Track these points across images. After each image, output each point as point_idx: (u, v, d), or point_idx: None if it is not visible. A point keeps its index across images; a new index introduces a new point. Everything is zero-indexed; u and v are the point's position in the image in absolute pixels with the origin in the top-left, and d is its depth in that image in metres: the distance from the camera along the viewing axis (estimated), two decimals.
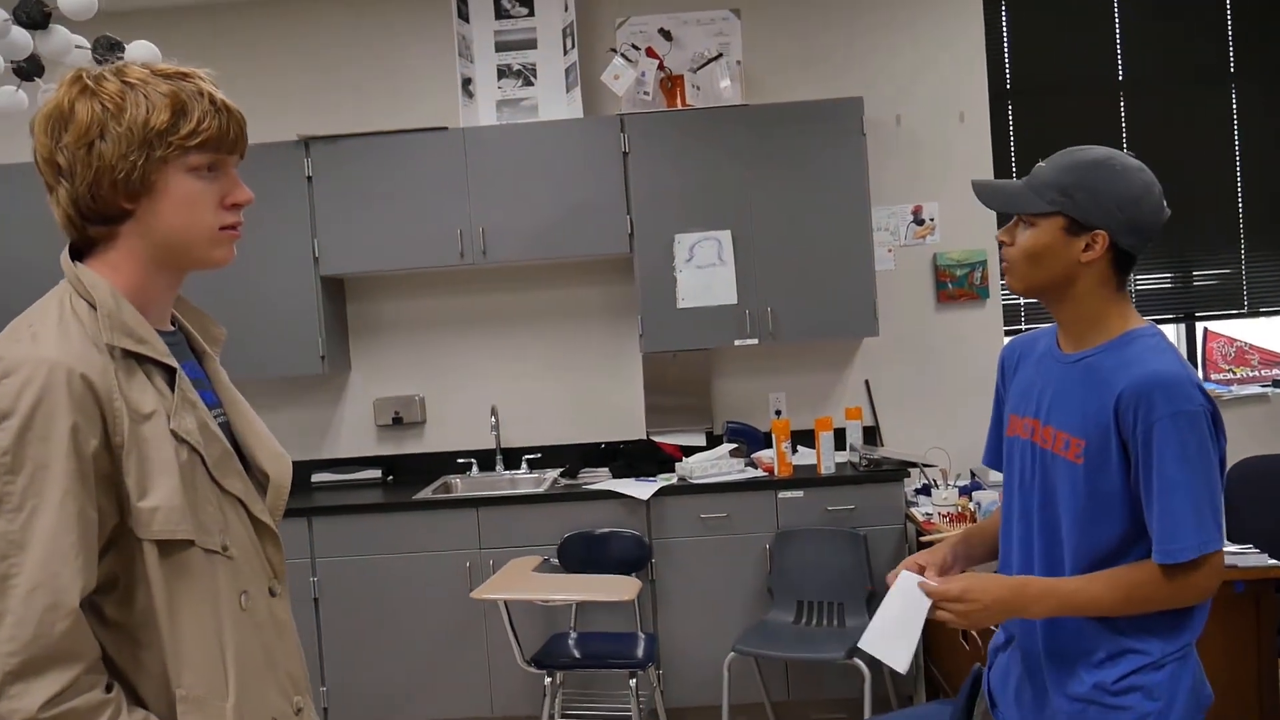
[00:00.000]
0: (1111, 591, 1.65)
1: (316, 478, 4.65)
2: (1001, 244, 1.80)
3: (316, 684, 4.12)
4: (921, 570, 1.82)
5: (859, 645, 1.81)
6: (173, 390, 1.28)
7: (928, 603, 1.72)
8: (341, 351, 4.66)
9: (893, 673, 3.99)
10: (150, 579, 1.21)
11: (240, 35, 4.73)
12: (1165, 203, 1.74)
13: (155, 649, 1.22)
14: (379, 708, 4.13)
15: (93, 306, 1.25)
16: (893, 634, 1.77)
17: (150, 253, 1.31)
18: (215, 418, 1.35)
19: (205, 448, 1.29)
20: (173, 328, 1.39)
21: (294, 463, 4.62)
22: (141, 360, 1.26)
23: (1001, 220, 4.45)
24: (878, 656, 1.76)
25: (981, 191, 1.80)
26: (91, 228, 1.28)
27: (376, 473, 4.66)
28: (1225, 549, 3.11)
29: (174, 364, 1.29)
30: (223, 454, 1.31)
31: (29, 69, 2.12)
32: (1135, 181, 1.70)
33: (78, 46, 1.76)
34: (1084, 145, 1.75)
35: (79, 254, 1.31)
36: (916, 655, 3.98)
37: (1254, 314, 4.69)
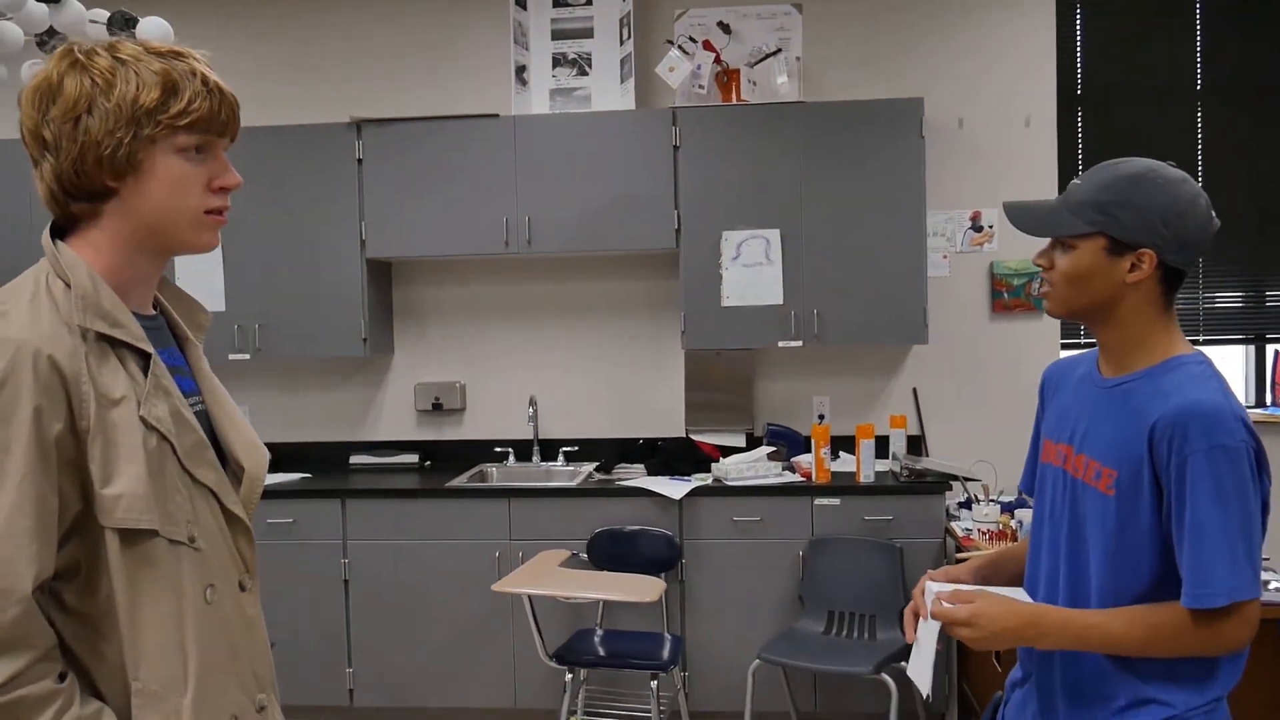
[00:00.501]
0: (1133, 631, 1.55)
1: (354, 459, 4.67)
2: (1040, 267, 1.70)
3: (343, 665, 4.14)
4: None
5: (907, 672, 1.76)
6: (146, 376, 1.25)
7: (937, 625, 1.65)
8: (385, 335, 4.67)
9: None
10: (112, 568, 1.18)
11: (296, 17, 4.75)
12: (1214, 214, 1.62)
13: (115, 640, 1.19)
14: (403, 692, 4.14)
15: (69, 286, 1.22)
16: (916, 656, 1.73)
17: (133, 233, 1.28)
18: (192, 406, 1.32)
19: (177, 436, 1.26)
20: (154, 312, 1.36)
21: (333, 443, 4.65)
22: (115, 344, 1.23)
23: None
24: (913, 680, 1.72)
25: (1014, 214, 1.69)
26: (74, 205, 1.26)
27: (414, 457, 4.66)
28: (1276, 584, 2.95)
29: (149, 349, 1.26)
30: (195, 443, 1.28)
31: (51, 42, 2.13)
32: (1180, 194, 1.59)
33: (92, 21, 1.76)
34: (1122, 158, 1.65)
35: (61, 232, 1.29)
36: (948, 674, 3.89)
37: None
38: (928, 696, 1.69)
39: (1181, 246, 1.60)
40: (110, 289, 1.25)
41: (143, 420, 1.22)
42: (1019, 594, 1.72)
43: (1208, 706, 1.58)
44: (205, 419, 1.36)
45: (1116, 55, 4.55)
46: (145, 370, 1.26)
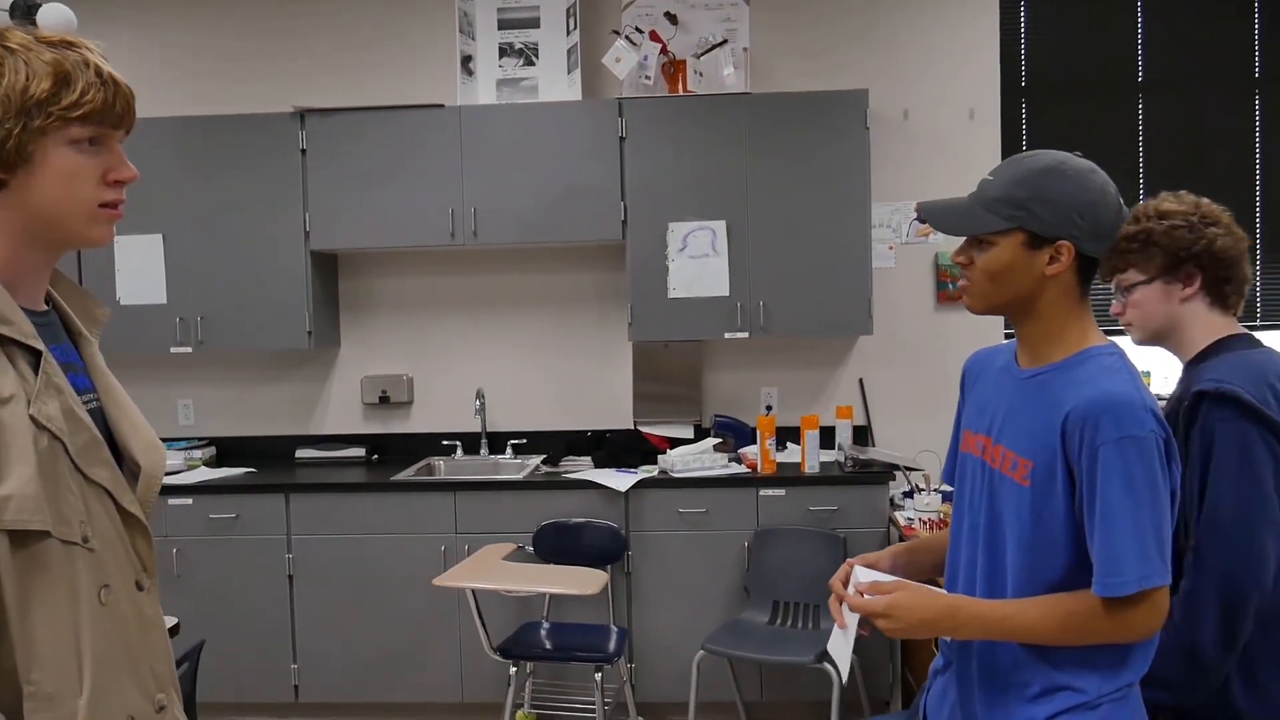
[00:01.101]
0: (1046, 619, 1.57)
1: (300, 453, 4.63)
2: (958, 264, 1.70)
3: (288, 662, 4.10)
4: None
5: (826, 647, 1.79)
6: (37, 374, 1.22)
7: (854, 619, 1.67)
8: (331, 328, 4.62)
9: (865, 677, 3.92)
10: (2, 571, 1.16)
11: (239, 6, 4.68)
12: (1124, 204, 1.64)
13: (5, 644, 1.17)
14: (349, 688, 4.11)
15: None
16: (839, 637, 1.74)
17: (24, 227, 1.25)
18: (86, 404, 1.29)
19: (69, 435, 1.23)
20: (46, 307, 1.33)
21: (278, 437, 4.59)
22: (4, 342, 1.21)
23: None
24: (831, 657, 1.74)
25: (930, 214, 1.70)
26: None
27: (361, 451, 4.62)
28: None
29: (40, 346, 1.23)
30: (88, 441, 1.26)
31: None
32: (1091, 184, 1.61)
33: None
34: (1030, 152, 1.66)
35: None
36: (892, 662, 3.92)
37: (1263, 326, 4.56)
38: (844, 679, 1.71)
39: (1096, 236, 1.62)
40: None
41: (33, 419, 1.19)
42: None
43: (1119, 693, 1.60)
44: (100, 417, 1.33)
45: (1060, 47, 4.60)
46: (36, 368, 1.23)
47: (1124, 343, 1.86)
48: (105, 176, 1.28)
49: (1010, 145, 4.55)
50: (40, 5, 1.96)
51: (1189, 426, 1.81)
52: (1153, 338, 2.01)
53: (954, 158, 4.49)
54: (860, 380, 4.56)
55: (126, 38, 4.70)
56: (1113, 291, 2.04)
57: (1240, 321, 2.01)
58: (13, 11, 1.91)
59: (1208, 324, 1.95)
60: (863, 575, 1.72)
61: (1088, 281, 1.67)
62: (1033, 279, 1.63)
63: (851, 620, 1.69)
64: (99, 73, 1.25)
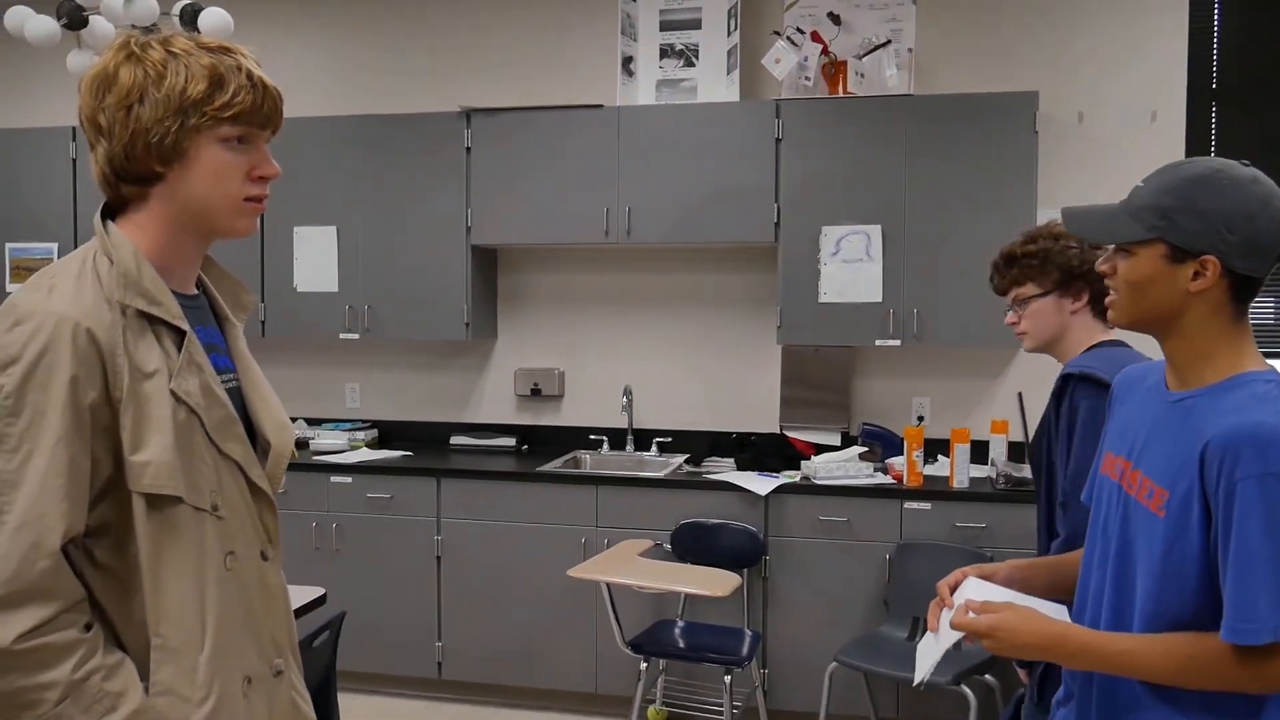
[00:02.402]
0: (1164, 660, 1.46)
1: (455, 440, 4.81)
2: (1104, 274, 1.62)
3: (432, 640, 4.27)
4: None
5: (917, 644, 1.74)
6: (180, 352, 1.32)
7: (956, 635, 1.60)
8: (489, 320, 4.78)
9: (1004, 699, 3.75)
10: (139, 530, 1.26)
11: (409, 7, 4.90)
12: None
13: (139, 597, 1.27)
14: (489, 669, 4.24)
15: (113, 264, 1.30)
16: (932, 641, 1.69)
17: (177, 216, 1.36)
18: (225, 383, 1.39)
19: (205, 410, 1.33)
20: (196, 292, 1.44)
21: (435, 423, 4.80)
22: (154, 321, 1.31)
23: None
24: (917, 658, 1.70)
25: (1070, 219, 1.61)
26: (125, 187, 1.35)
27: (511, 441, 4.76)
28: None
29: (185, 326, 1.34)
30: (224, 418, 1.35)
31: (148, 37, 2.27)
32: (1249, 196, 1.48)
33: (164, 13, 1.87)
34: (1191, 158, 1.55)
35: (113, 213, 1.38)
36: None
37: None
38: (919, 684, 1.67)
39: (1249, 253, 1.49)
40: (152, 268, 1.33)
41: (173, 393, 1.29)
42: (1056, 609, 1.66)
43: None
44: (238, 396, 1.43)
45: (1258, 47, 4.27)
46: (180, 347, 1.33)
47: None
48: (251, 173, 1.38)
49: (1197, 151, 4.27)
50: (201, 7, 2.13)
51: (1058, 404, 2.11)
52: (1043, 345, 2.29)
53: (1132, 163, 4.24)
54: (1019, 394, 4.37)
55: (298, 40, 5.00)
56: (1009, 303, 2.31)
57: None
58: (181, 17, 2.09)
59: (1090, 332, 2.24)
60: (975, 591, 1.65)
61: (1244, 301, 1.54)
62: (1176, 294, 1.52)
63: (951, 635, 1.63)
64: (250, 76, 1.35)
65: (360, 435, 4.81)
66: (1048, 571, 1.82)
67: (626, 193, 4.32)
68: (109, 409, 1.25)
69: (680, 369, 4.71)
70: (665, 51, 4.52)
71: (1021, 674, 2.28)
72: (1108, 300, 1.64)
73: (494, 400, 4.91)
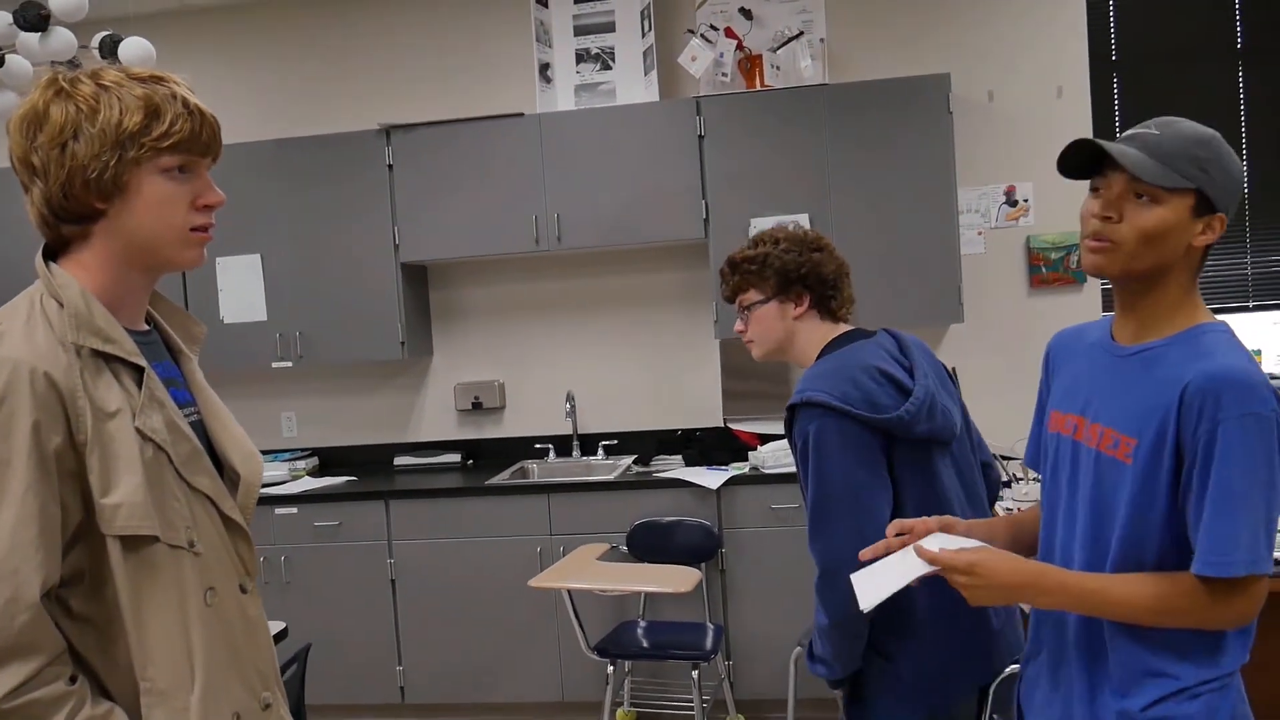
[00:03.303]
0: (1138, 595, 1.50)
1: (398, 461, 4.75)
2: (1103, 220, 1.55)
3: (393, 664, 4.22)
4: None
5: (850, 575, 1.73)
6: (140, 389, 1.29)
7: (926, 568, 1.61)
8: (424, 337, 4.73)
9: None
10: (115, 574, 1.23)
11: (320, 28, 4.83)
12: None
13: (122, 642, 1.24)
14: (454, 688, 4.20)
15: (62, 306, 1.27)
16: (879, 576, 1.67)
17: (122, 252, 1.32)
18: (187, 416, 1.36)
19: (172, 445, 1.30)
20: (147, 327, 1.40)
21: (377, 445, 4.71)
22: (109, 359, 1.28)
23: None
24: (855, 590, 1.67)
25: (1094, 149, 1.56)
26: (65, 227, 1.31)
27: (456, 457, 4.72)
28: None
29: (142, 363, 1.30)
30: (191, 452, 1.32)
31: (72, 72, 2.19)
32: (1237, 162, 1.57)
33: (81, 46, 1.81)
34: (1179, 117, 1.60)
35: (54, 254, 1.34)
36: None
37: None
38: (866, 610, 1.63)
39: (1229, 214, 1.58)
40: (102, 306, 1.29)
41: (138, 431, 1.26)
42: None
43: (1219, 681, 1.53)
44: (201, 429, 1.40)
45: (1152, 16, 4.44)
46: (139, 384, 1.30)
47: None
48: (195, 202, 1.35)
49: (1102, 121, 4.42)
50: (120, 38, 2.08)
51: (790, 431, 2.06)
52: (772, 352, 2.22)
53: (1043, 138, 4.37)
54: (953, 369, 4.46)
55: (213, 67, 4.89)
56: (736, 311, 2.24)
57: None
58: (101, 49, 2.03)
59: (820, 333, 2.18)
60: (949, 542, 1.67)
61: (1205, 259, 1.62)
62: (1180, 247, 1.55)
63: (919, 567, 1.61)
64: (186, 104, 1.32)
65: (300, 464, 4.72)
66: (1008, 528, 1.87)
67: (554, 200, 4.31)
68: (74, 453, 1.22)
69: (621, 371, 4.72)
70: (581, 56, 4.53)
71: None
72: (1095, 246, 1.58)
73: (435, 417, 4.86)
